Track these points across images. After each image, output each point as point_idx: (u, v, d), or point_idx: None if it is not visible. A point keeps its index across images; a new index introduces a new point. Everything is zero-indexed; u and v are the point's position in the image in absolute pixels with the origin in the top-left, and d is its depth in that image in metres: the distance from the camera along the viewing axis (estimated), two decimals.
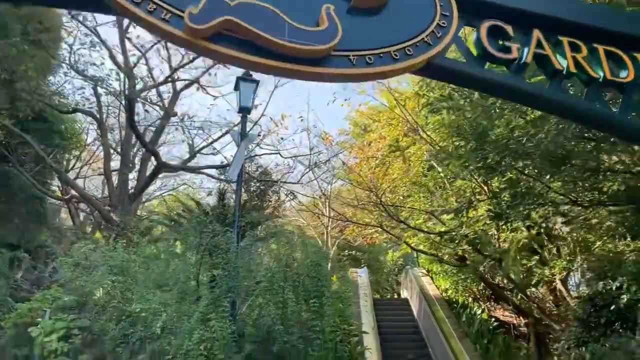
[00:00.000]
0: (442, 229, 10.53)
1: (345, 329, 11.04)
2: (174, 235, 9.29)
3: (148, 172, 13.28)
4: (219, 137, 15.84)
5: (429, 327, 13.50)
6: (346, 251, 24.29)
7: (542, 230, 10.06)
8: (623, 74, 3.42)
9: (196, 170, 15.31)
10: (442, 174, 12.47)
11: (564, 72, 3.42)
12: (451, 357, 10.54)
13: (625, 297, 5.80)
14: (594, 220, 7.61)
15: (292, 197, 14.59)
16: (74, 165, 19.71)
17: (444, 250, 13.81)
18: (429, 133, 10.61)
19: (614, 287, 5.97)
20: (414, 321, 15.04)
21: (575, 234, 9.32)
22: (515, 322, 14.24)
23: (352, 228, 19.57)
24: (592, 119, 3.57)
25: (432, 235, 12.78)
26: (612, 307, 6.16)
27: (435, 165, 13.10)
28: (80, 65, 12.34)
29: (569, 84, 4.09)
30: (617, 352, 5.23)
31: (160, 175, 22.33)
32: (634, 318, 5.85)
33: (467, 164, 6.32)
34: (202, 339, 6.34)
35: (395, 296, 20.91)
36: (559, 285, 9.94)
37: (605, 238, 7.65)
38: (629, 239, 6.25)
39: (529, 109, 6.91)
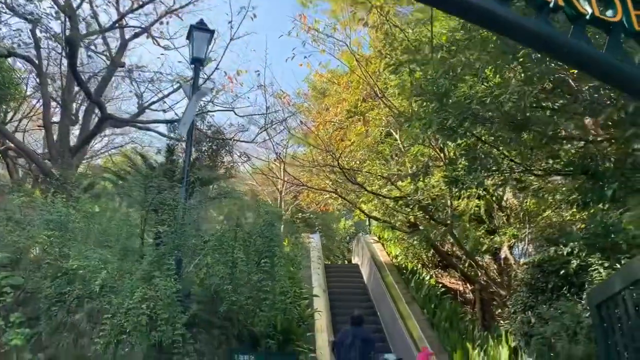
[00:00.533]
0: (398, 195, 10.49)
1: (296, 291, 10.97)
2: (118, 190, 8.75)
3: (93, 126, 12.42)
4: (170, 93, 15.04)
5: (378, 291, 13.66)
6: (299, 214, 24.08)
7: (494, 199, 10.22)
8: (610, 13, 3.29)
9: (144, 124, 14.48)
10: (399, 141, 12.40)
11: (551, 5, 3.27)
12: (399, 321, 10.69)
13: (574, 262, 5.91)
14: (547, 188, 7.72)
15: (245, 159, 14.15)
16: (12, 118, 18.33)
17: (397, 217, 13.90)
18: (389, 97, 10.42)
19: (565, 253, 6.07)
20: (364, 286, 15.20)
21: (526, 204, 9.50)
22: (461, 289, 14.66)
23: (307, 194, 19.41)
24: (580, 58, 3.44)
25: (385, 202, 12.79)
26: (561, 273, 6.27)
27: (393, 132, 13.01)
28: (15, 2, 11.19)
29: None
30: (563, 315, 5.32)
31: (107, 133, 21.24)
32: (581, 283, 5.98)
33: (427, 125, 6.18)
34: (145, 297, 6.00)
35: (347, 262, 21.10)
36: (507, 253, 10.18)
37: (555, 208, 7.82)
38: (578, 207, 6.35)
39: (491, 73, 6.83)
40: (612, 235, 4.86)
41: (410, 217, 11.34)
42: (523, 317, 6.75)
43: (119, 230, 7.21)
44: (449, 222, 9.76)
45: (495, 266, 11.91)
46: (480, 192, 10.80)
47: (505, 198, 9.84)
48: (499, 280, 10.49)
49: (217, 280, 6.31)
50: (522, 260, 8.97)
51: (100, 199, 9.53)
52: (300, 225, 21.20)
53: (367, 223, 21.31)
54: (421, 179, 8.26)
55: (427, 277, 13.25)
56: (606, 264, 5.15)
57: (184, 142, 9.12)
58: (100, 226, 7.50)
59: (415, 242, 14.34)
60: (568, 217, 7.96)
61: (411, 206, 9.38)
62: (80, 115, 14.98)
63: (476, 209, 10.63)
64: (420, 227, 10.93)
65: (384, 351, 11.08)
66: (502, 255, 12.02)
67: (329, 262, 20.80)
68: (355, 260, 18.85)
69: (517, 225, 9.01)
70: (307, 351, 8.00)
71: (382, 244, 17.06)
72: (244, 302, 6.44)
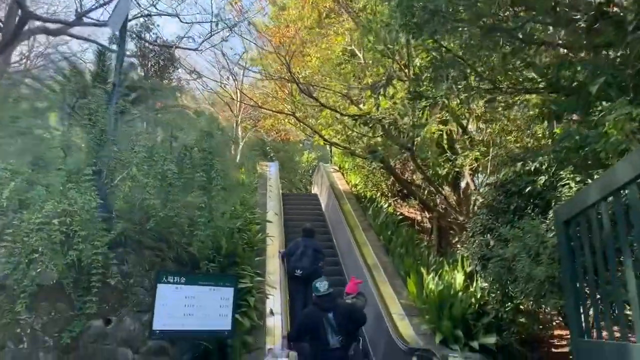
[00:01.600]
0: (357, 112, 9.74)
1: (247, 216, 10.34)
2: (37, 95, 7.62)
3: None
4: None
5: (335, 220, 13.26)
6: (259, 142, 23.15)
7: (457, 123, 9.63)
8: None
9: (71, 25, 12.85)
10: (362, 61, 11.51)
11: None
12: (354, 248, 10.30)
13: (542, 179, 5.42)
14: (515, 107, 7.16)
15: (196, 76, 12.94)
16: None
17: (358, 144, 13.27)
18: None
19: (532, 169, 5.57)
20: (322, 214, 14.79)
21: (492, 127, 8.96)
22: (419, 218, 14.47)
23: (265, 119, 18.44)
24: None
25: (346, 129, 12.09)
26: (525, 192, 5.80)
27: (357, 52, 12.08)
28: None
29: None
30: (526, 235, 4.87)
31: (39, 48, 19.23)
32: (546, 204, 5.53)
33: (391, 19, 5.38)
34: (58, 211, 5.18)
35: (306, 192, 20.63)
36: (468, 180, 9.77)
37: (524, 127, 7.29)
38: (550, 121, 5.79)
39: None
40: (587, 148, 4.31)
41: (372, 141, 10.68)
42: (481, 240, 6.35)
43: (33, 137, 6.23)
44: (409, 146, 9.17)
45: (455, 197, 11.57)
46: (444, 115, 10.20)
47: (469, 122, 9.27)
48: (457, 208, 10.15)
49: (143, 195, 5.52)
50: (483, 186, 8.54)
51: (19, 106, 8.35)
52: (257, 152, 20.42)
53: (329, 155, 20.69)
54: (382, 93, 7.52)
55: (386, 206, 12.88)
56: (578, 179, 4.66)
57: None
58: (9, 131, 6.46)
59: (375, 170, 13.86)
60: (535, 142, 7.48)
61: (371, 125, 8.69)
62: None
63: (439, 133, 10.05)
64: (381, 151, 10.29)
65: (338, 275, 10.82)
66: (463, 185, 11.69)
67: (287, 191, 20.28)
68: (314, 190, 18.36)
69: (481, 149, 8.50)
70: (254, 275, 7.47)
71: (342, 174, 16.54)
72: (174, 218, 5.70)
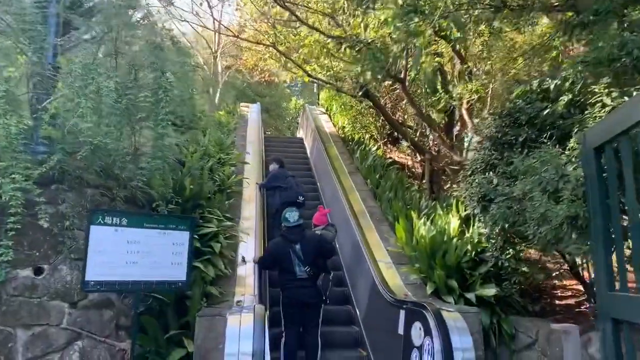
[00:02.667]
0: (341, 34, 8.60)
1: (221, 157, 9.38)
2: None
3: None
4: None
5: (320, 164, 12.34)
6: (241, 83, 21.73)
7: (455, 50, 8.55)
8: None
9: None
10: None
11: None
12: (340, 194, 9.42)
13: (564, 99, 4.46)
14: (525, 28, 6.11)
15: (167, 2, 11.58)
16: None
17: (345, 81, 12.17)
18: None
19: (551, 87, 4.62)
20: (306, 159, 13.86)
21: (494, 56, 7.91)
22: (410, 163, 13.59)
23: (247, 58, 17.10)
24: None
25: (332, 62, 10.95)
26: (538, 119, 4.87)
27: None
28: None
29: None
30: (542, 167, 3.97)
31: None
32: (562, 135, 4.60)
33: None
34: None
35: (291, 136, 19.60)
36: (465, 116, 8.80)
37: (537, 47, 6.27)
38: (575, 30, 4.78)
39: None
40: (625, 58, 3.35)
41: (358, 73, 9.57)
42: (482, 179, 5.45)
43: None
44: (401, 76, 8.12)
45: (448, 140, 10.64)
46: (441, 47, 9.10)
47: (470, 47, 8.19)
48: (451, 149, 9.25)
49: (74, 117, 4.49)
50: (484, 120, 7.58)
51: None
52: (238, 92, 19.17)
53: (317, 99, 19.54)
54: (371, 6, 6.40)
55: (374, 148, 11.95)
56: (615, 94, 3.70)
57: None
58: None
59: (364, 110, 12.83)
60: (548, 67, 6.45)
61: (357, 49, 7.59)
62: None
63: (434, 65, 8.98)
64: (370, 88, 9.25)
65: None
66: (457, 128, 10.75)
67: (269, 133, 19.22)
68: (300, 134, 17.32)
69: (482, 80, 7.50)
70: (222, 219, 6.59)
71: (329, 116, 15.48)
72: (109, 146, 4.70)
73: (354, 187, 9.57)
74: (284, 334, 5.55)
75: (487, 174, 5.48)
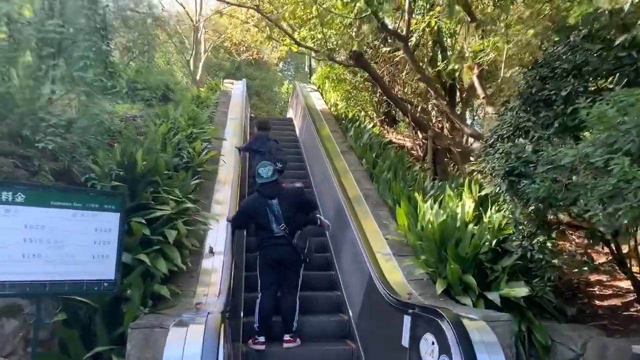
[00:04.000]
0: None
1: (193, 131, 8.12)
2: None
3: None
4: None
5: (310, 144, 11.10)
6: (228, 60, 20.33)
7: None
8: None
9: None
10: None
11: None
12: (332, 176, 8.19)
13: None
14: None
15: None
16: None
17: (339, 53, 10.89)
18: None
19: (626, 6, 3.40)
20: (295, 139, 12.62)
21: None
22: (409, 145, 12.37)
23: (231, 33, 15.72)
24: None
25: (323, 30, 9.66)
26: (585, 68, 3.64)
27: None
28: None
29: None
30: (622, 113, 2.75)
31: None
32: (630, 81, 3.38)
33: None
34: None
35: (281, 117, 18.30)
36: (475, 83, 7.56)
37: None
38: None
39: None
40: None
41: (353, 43, 8.31)
42: (509, 148, 4.23)
43: None
44: (403, 34, 6.86)
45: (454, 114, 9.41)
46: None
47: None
48: (460, 116, 8.00)
49: None
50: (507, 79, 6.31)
51: None
52: (224, 74, 17.80)
53: (309, 82, 18.21)
54: None
55: (370, 126, 10.69)
56: None
57: None
58: None
59: (358, 84, 11.56)
60: None
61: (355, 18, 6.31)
62: None
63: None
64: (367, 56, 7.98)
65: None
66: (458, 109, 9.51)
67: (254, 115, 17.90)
68: (289, 114, 16.04)
69: (499, 35, 6.24)
70: (184, 201, 5.35)
71: (321, 94, 14.19)
72: (18, 97, 3.45)
73: (348, 169, 8.32)
74: (259, 296, 5.19)
75: (516, 140, 4.25)
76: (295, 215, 5.26)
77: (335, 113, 12.07)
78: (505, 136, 4.45)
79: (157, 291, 4.17)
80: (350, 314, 5.76)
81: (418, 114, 10.02)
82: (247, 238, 6.77)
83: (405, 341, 4.02)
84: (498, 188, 4.58)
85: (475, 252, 4.81)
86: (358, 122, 10.69)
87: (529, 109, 4.26)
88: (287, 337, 5.12)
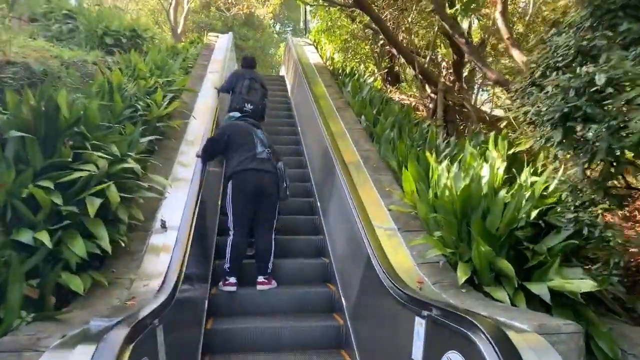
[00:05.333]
0: None
1: (157, 80, 6.79)
2: None
3: None
4: None
5: (302, 103, 9.77)
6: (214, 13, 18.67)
7: None
8: None
9: None
10: None
11: None
12: (326, 139, 6.89)
13: None
14: None
15: None
16: None
17: None
18: None
19: None
20: (286, 98, 11.28)
21: None
22: (415, 104, 11.00)
23: None
24: None
25: None
26: None
27: None
28: None
29: None
30: None
31: None
32: None
33: None
34: None
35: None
36: (498, 21, 6.16)
37: None
38: None
39: None
40: None
41: None
42: (567, 82, 2.92)
43: None
44: None
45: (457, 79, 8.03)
46: None
47: None
48: (481, 59, 6.61)
49: None
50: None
51: None
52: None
53: (304, 33, 16.69)
54: None
55: (371, 80, 9.32)
56: None
57: None
58: None
59: (357, 31, 10.11)
60: None
61: None
62: None
63: None
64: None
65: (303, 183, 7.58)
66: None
67: None
68: (282, 72, 14.60)
69: None
70: (122, 160, 4.06)
71: (316, 47, 12.71)
72: None
73: (344, 129, 7.00)
74: (231, 234, 4.85)
75: (578, 70, 2.94)
76: (274, 152, 5.11)
77: (332, 67, 10.67)
78: (559, 65, 3.13)
79: (65, 282, 2.94)
80: (347, 315, 4.56)
81: (426, 65, 8.63)
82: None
83: (417, 356, 2.82)
84: (544, 141, 3.28)
85: (510, 227, 3.56)
86: (357, 76, 9.31)
87: (599, 22, 2.94)
88: (261, 278, 4.79)
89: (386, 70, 10.98)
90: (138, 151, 4.56)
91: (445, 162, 4.48)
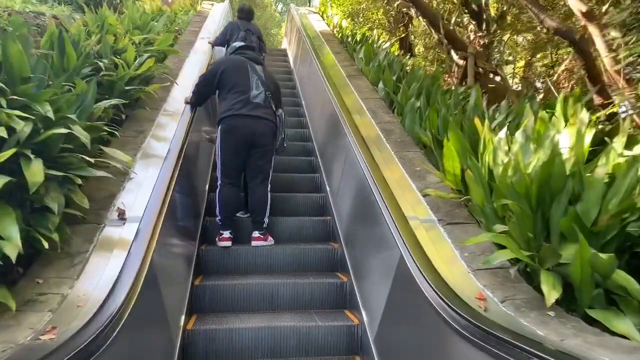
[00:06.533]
0: None
1: (133, 40, 5.64)
2: None
3: None
4: None
5: (307, 75, 8.61)
6: None
7: None
8: None
9: None
10: None
11: None
12: (338, 112, 5.74)
13: None
14: None
15: None
16: None
17: None
18: None
19: None
20: (289, 71, 10.09)
21: None
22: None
23: None
24: None
25: None
26: None
27: None
28: None
29: None
30: None
31: None
32: None
33: None
34: None
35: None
36: None
37: None
38: None
39: None
40: None
41: None
42: None
43: None
44: None
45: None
46: None
47: None
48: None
49: None
50: None
51: None
52: None
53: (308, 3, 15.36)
54: None
55: (386, 45, 8.11)
56: None
57: None
58: None
59: None
60: None
61: None
62: None
63: None
64: None
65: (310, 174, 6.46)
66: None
67: None
68: (284, 45, 13.36)
69: None
70: (55, 123, 2.92)
71: (322, 16, 11.45)
72: None
73: (361, 102, 5.78)
74: (219, 184, 4.49)
75: None
76: (275, 97, 4.54)
77: (340, 36, 9.44)
78: None
79: None
80: (375, 351, 3.45)
81: (453, 26, 7.41)
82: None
83: None
84: None
85: (621, 219, 2.41)
86: (370, 40, 8.09)
87: None
88: (256, 233, 4.47)
89: (400, 43, 9.74)
90: (90, 117, 3.42)
91: (504, 132, 3.30)
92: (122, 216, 3.03)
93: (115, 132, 3.86)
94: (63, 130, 2.72)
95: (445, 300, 2.40)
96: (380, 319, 3.34)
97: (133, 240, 2.80)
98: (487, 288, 2.65)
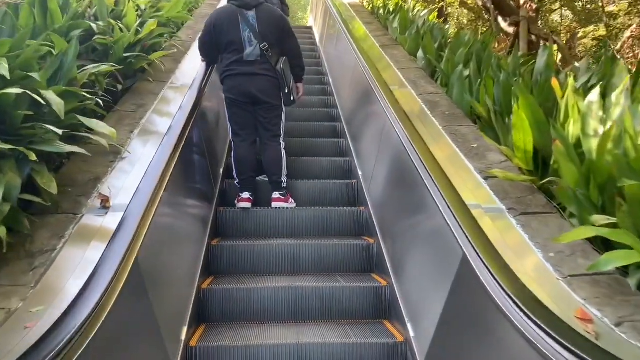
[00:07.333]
0: None
1: (143, 5, 5.00)
2: None
3: None
4: None
5: (335, 51, 7.87)
6: None
7: None
8: None
9: None
10: None
11: None
12: (373, 87, 5.00)
13: None
14: None
15: None
16: None
17: None
18: None
19: None
20: (314, 48, 9.37)
21: None
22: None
23: None
24: None
25: None
26: None
27: None
28: None
29: None
30: None
31: None
32: None
33: None
34: None
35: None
36: None
37: None
38: None
39: None
40: None
41: None
42: None
43: None
44: None
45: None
46: None
47: None
48: None
49: None
50: None
51: None
52: None
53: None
54: None
55: (424, 12, 7.28)
56: None
57: None
58: None
59: None
60: None
61: None
62: None
63: None
64: None
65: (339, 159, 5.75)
66: None
67: None
68: (309, 22, 12.61)
69: None
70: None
71: None
72: None
73: (399, 74, 4.98)
74: (232, 146, 4.40)
75: None
76: (277, 43, 4.16)
77: (370, 7, 8.63)
78: None
79: None
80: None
81: None
82: None
83: None
84: None
85: None
86: (406, 8, 7.28)
87: None
88: (276, 194, 4.33)
89: (436, 8, 8.88)
90: (71, 83, 2.79)
91: (595, 94, 2.51)
92: (105, 204, 2.41)
93: (112, 105, 3.24)
94: (16, 91, 2.07)
95: (540, 324, 1.68)
96: (431, 341, 2.62)
97: (113, 235, 2.16)
98: (588, 303, 1.90)
